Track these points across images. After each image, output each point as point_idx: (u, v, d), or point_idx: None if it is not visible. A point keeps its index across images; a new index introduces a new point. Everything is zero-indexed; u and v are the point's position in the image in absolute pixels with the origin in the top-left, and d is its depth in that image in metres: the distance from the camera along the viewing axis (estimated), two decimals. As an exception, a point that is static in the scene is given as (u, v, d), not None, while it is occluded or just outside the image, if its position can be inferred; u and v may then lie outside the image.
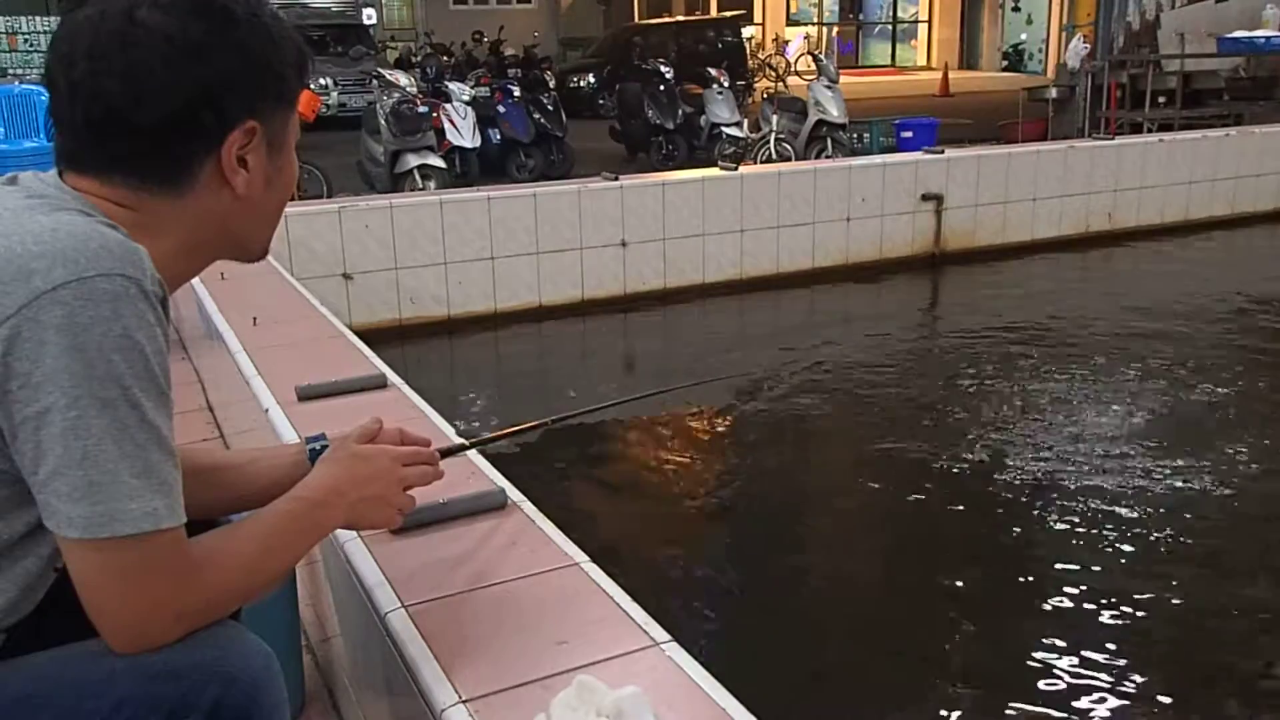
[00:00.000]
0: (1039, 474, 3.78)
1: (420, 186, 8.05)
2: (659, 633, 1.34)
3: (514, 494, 1.73)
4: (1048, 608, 2.97)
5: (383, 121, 8.40)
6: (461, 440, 1.67)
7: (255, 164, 1.13)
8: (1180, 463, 3.83)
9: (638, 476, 4.11)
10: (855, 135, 10.69)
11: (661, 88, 11.34)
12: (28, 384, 0.95)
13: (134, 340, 0.97)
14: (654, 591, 2.83)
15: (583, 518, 3.56)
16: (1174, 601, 3.01)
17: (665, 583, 3.20)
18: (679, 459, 4.20)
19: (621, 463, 4.23)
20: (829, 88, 9.80)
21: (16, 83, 8.04)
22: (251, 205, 1.16)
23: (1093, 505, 3.53)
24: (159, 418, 0.99)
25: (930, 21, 28.66)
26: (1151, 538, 3.34)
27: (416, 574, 1.49)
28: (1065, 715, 2.50)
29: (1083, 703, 2.54)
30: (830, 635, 3.00)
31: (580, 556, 1.54)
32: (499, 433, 1.64)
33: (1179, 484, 3.67)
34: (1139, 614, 2.94)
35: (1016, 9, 26.88)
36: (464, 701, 1.21)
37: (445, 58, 14.71)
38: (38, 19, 13.21)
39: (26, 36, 12.85)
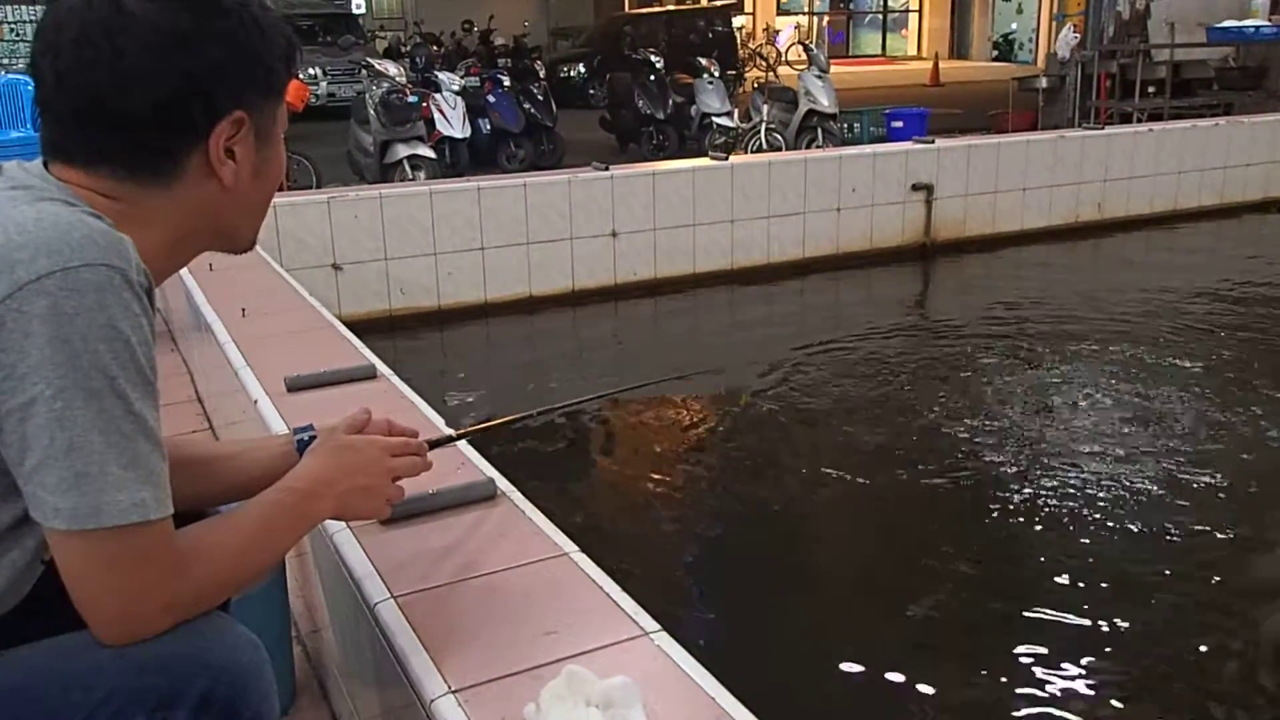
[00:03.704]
0: (1028, 463, 3.80)
1: (410, 177, 8.03)
2: (648, 622, 1.34)
3: (503, 484, 1.73)
4: (1041, 597, 2.98)
5: (372, 111, 8.37)
6: (450, 431, 1.67)
7: (243, 155, 1.13)
8: (1171, 453, 3.85)
9: (627, 467, 4.12)
10: (846, 125, 10.68)
11: (652, 78, 11.31)
12: (12, 375, 0.95)
13: (119, 331, 0.97)
14: (643, 581, 2.84)
15: (572, 508, 3.56)
16: (1168, 591, 3.03)
17: (655, 573, 3.21)
18: (669, 450, 4.21)
19: (611, 454, 4.23)
20: (819, 77, 9.79)
21: (3, 73, 7.98)
22: (239, 196, 1.15)
23: (1083, 494, 3.54)
24: (145, 408, 0.99)
25: (921, 11, 28.68)
26: (1140, 527, 3.35)
27: (406, 565, 1.49)
28: (1053, 708, 2.52)
29: (1076, 702, 2.55)
30: (819, 625, 3.01)
31: (569, 547, 1.54)
32: (487, 424, 1.64)
33: (1170, 473, 3.68)
34: (1134, 607, 2.96)
35: (1007, -1, 26.91)
36: (453, 691, 1.21)
37: (435, 47, 14.68)
38: (24, 8, 13.11)
39: (13, 26, 12.76)
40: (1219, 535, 3.31)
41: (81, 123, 1.06)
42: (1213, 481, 3.63)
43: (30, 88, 6.82)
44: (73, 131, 1.07)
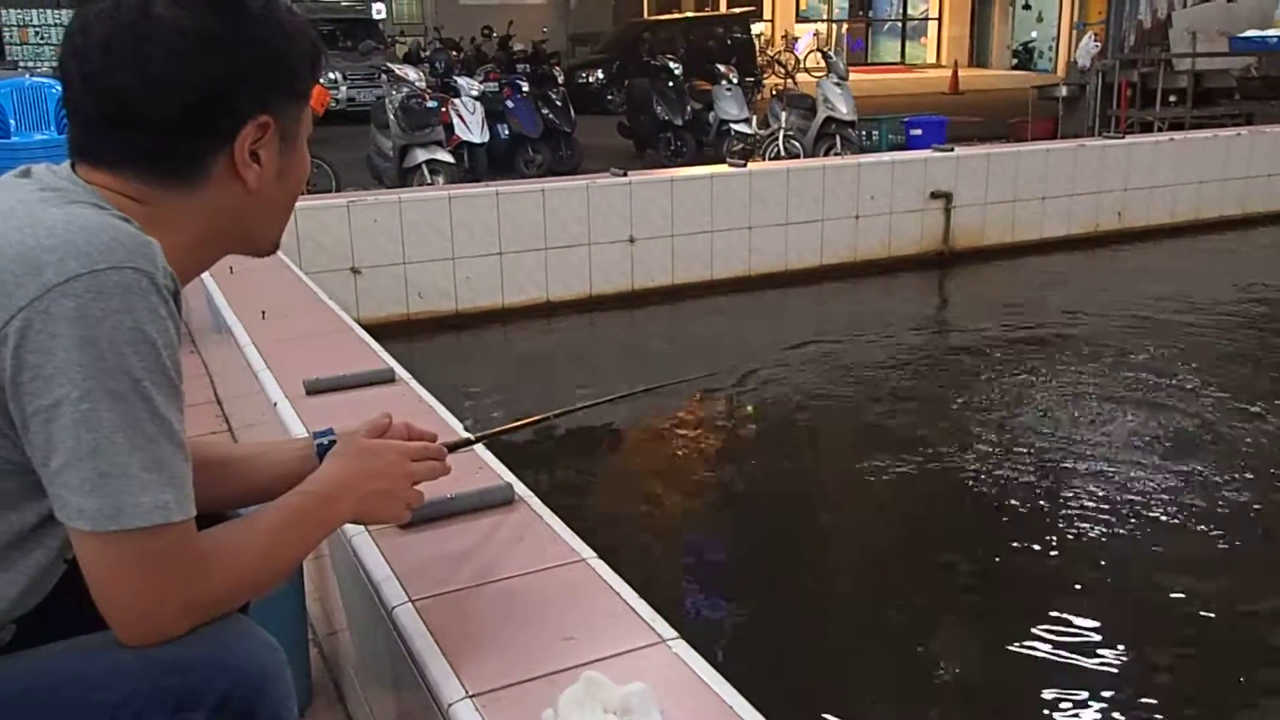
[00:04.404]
0: (1045, 475, 3.77)
1: (429, 181, 8.06)
2: (666, 629, 1.34)
3: (521, 489, 1.73)
4: (1052, 611, 2.96)
5: (391, 116, 8.40)
6: (468, 435, 1.67)
7: (267, 158, 1.13)
8: (1189, 466, 3.82)
9: (644, 472, 4.12)
10: (864, 132, 10.66)
11: (670, 84, 11.31)
12: (39, 376, 0.95)
13: (145, 333, 0.97)
14: (661, 587, 2.83)
15: (590, 513, 3.56)
16: (1177, 605, 3.01)
17: (672, 579, 3.21)
18: (685, 456, 4.20)
19: (628, 459, 4.23)
20: (838, 85, 9.78)
21: (28, 75, 8.05)
22: (263, 199, 1.15)
23: (1097, 508, 3.52)
24: (170, 411, 1.00)
25: (940, 19, 28.59)
26: (1155, 541, 3.33)
27: (424, 569, 1.49)
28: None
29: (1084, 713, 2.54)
30: (836, 633, 3.00)
31: (587, 552, 1.54)
32: (504, 427, 1.64)
33: (1187, 488, 3.65)
34: (1144, 619, 2.94)
35: (1027, 7, 26.80)
36: (471, 696, 1.21)
37: (454, 53, 14.72)
38: (49, 12, 13.24)
39: (38, 30, 12.89)
40: (1236, 548, 3.29)
41: (108, 126, 1.07)
42: (1233, 495, 3.60)
43: (55, 91, 6.87)
44: (100, 134, 1.08)
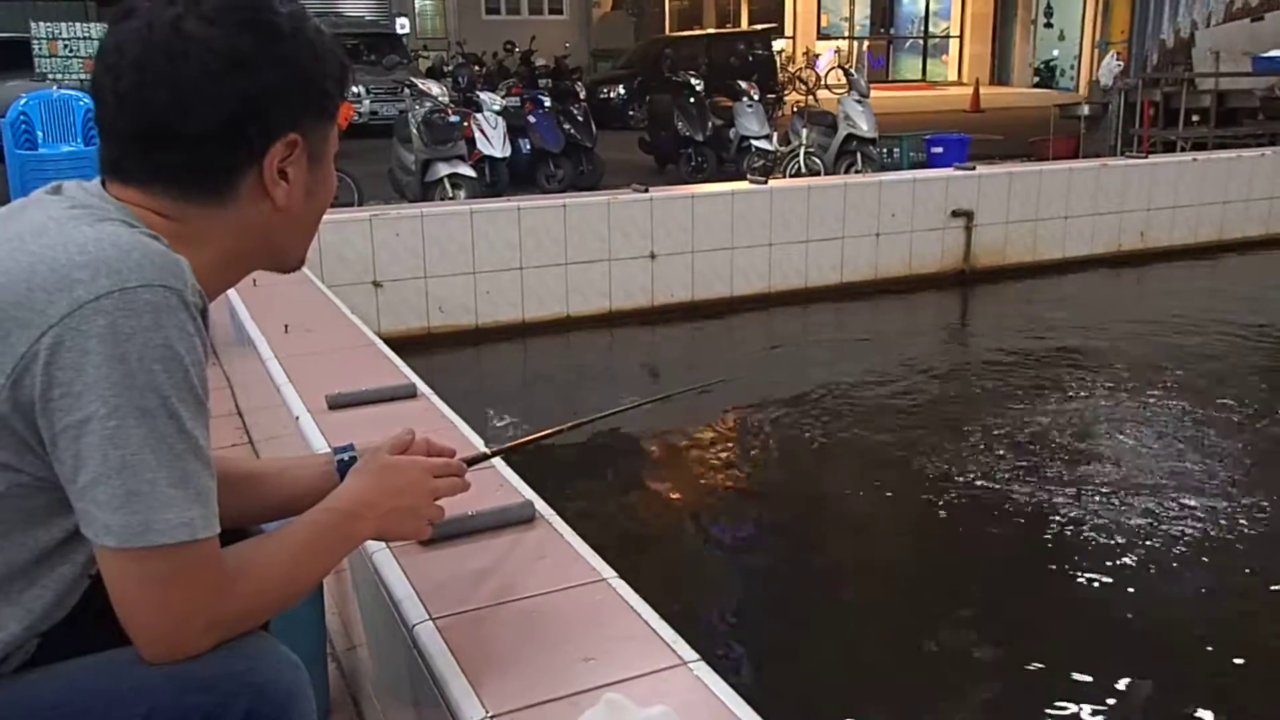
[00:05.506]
0: (1065, 498, 3.74)
1: (450, 195, 8.09)
2: (687, 651, 1.33)
3: (542, 507, 1.73)
4: (1071, 633, 2.94)
5: (414, 130, 8.45)
6: (485, 450, 1.66)
7: (296, 176, 1.14)
8: (1212, 490, 3.78)
9: (665, 492, 4.10)
10: (885, 150, 10.65)
11: (691, 100, 11.32)
12: (69, 393, 0.96)
13: (174, 351, 0.98)
14: (683, 609, 2.82)
15: (611, 532, 3.55)
16: (1198, 631, 2.98)
17: (694, 600, 3.19)
18: (706, 476, 4.19)
19: (649, 479, 4.22)
20: (859, 102, 9.78)
21: (55, 87, 8.12)
22: (291, 217, 1.16)
23: (1119, 533, 3.49)
24: (197, 428, 1.00)
25: (962, 37, 28.56)
26: (1179, 566, 3.29)
27: (444, 587, 1.49)
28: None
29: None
30: (859, 656, 2.97)
31: (608, 572, 1.53)
32: (521, 440, 1.63)
33: (1211, 512, 3.62)
34: (1163, 642, 2.91)
35: (1049, 25, 26.75)
36: (492, 717, 1.20)
37: (477, 67, 14.79)
38: (78, 25, 13.38)
39: (66, 42, 13.02)
40: (1258, 575, 3.25)
41: (141, 143, 1.08)
42: (1259, 516, 3.56)
43: (82, 103, 6.92)
44: (132, 152, 1.09)
